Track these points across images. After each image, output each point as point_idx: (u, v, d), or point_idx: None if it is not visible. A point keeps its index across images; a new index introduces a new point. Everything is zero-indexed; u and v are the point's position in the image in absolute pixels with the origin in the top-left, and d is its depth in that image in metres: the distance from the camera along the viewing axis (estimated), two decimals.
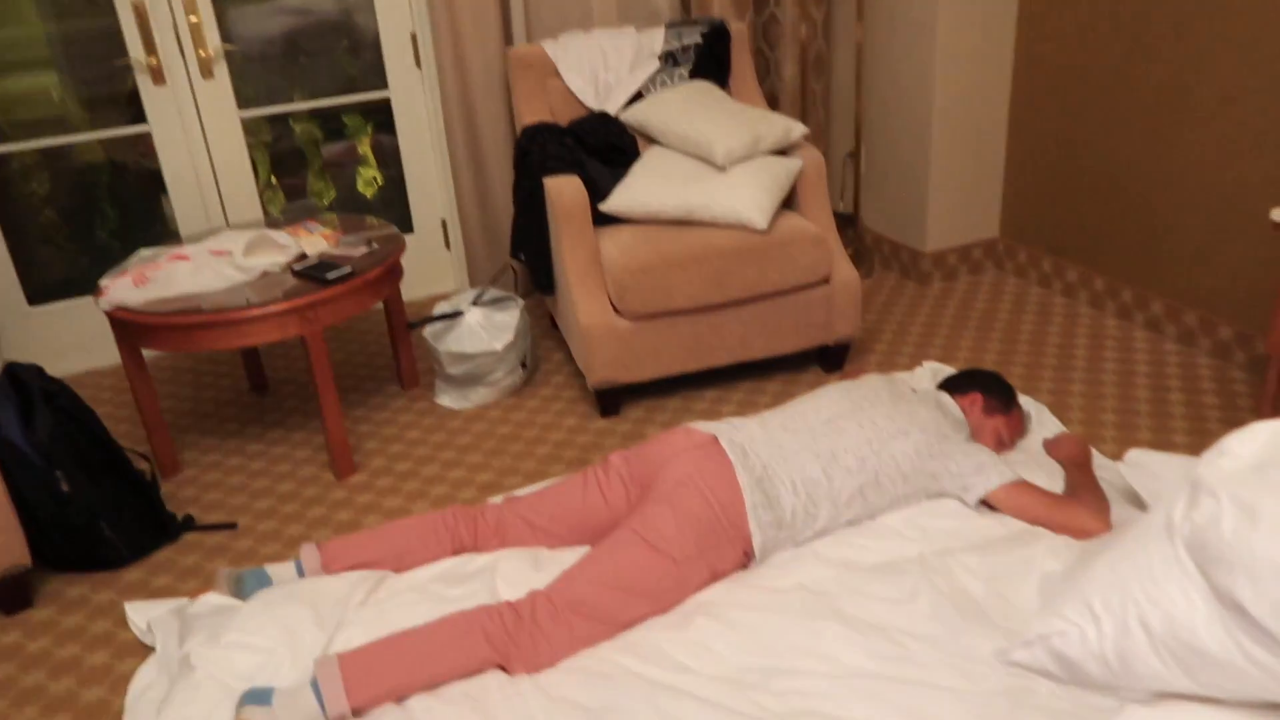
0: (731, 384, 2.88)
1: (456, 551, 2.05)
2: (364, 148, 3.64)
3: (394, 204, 3.65)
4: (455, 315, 2.79)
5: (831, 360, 2.87)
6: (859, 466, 1.97)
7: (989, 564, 1.84)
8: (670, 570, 1.82)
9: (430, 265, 3.74)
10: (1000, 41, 3.26)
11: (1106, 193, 3.05)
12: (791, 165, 2.77)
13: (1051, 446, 2.24)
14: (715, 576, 1.90)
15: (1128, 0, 2.83)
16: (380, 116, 3.54)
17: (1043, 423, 2.39)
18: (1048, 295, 3.30)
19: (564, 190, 2.66)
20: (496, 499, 2.29)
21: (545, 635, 1.74)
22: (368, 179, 3.69)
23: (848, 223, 3.67)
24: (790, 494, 1.92)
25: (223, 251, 2.51)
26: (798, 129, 2.82)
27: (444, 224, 3.68)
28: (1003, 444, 2.23)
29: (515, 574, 1.95)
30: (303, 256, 2.60)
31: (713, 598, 1.84)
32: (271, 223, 2.87)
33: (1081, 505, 1.94)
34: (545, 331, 3.35)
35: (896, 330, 3.14)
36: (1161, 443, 2.39)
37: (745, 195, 2.64)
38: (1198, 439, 2.39)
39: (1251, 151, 2.57)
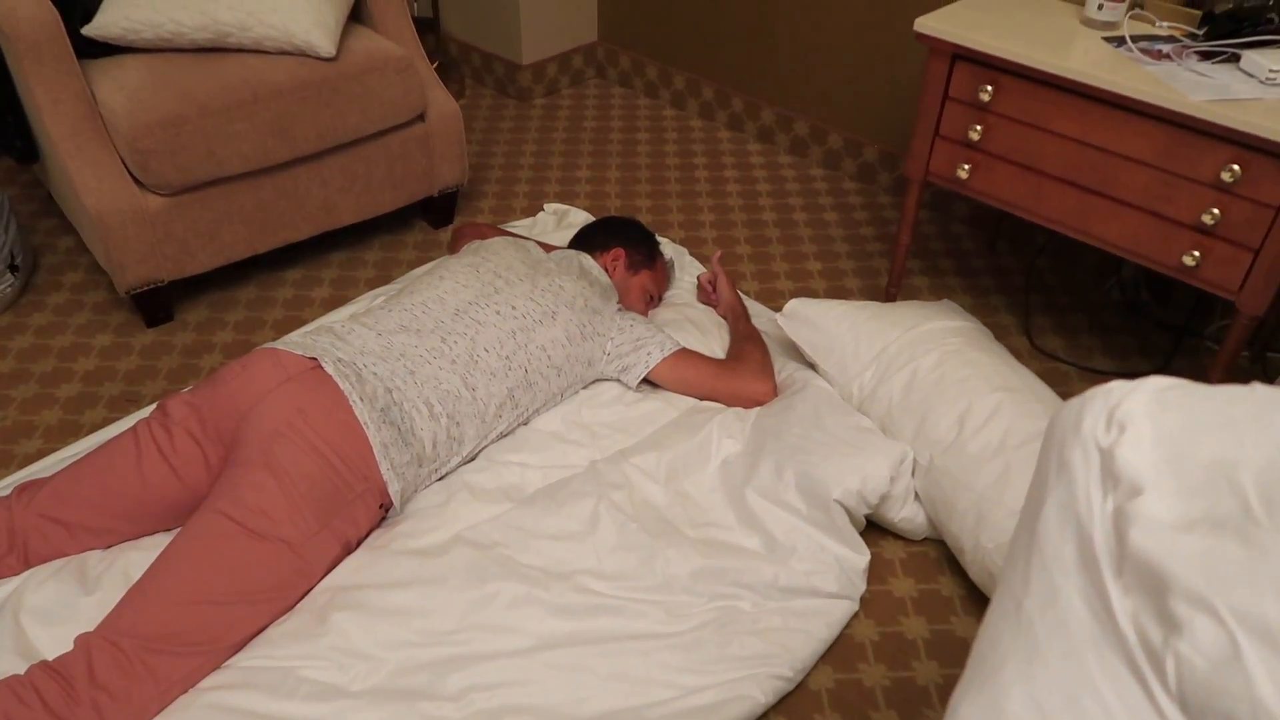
0: (321, 258, 2.30)
1: None
2: None
3: None
4: None
5: (439, 213, 2.40)
6: (505, 367, 1.61)
7: (666, 462, 1.62)
8: (286, 558, 1.36)
9: None
10: None
11: None
12: None
13: (708, 298, 2.05)
14: (349, 548, 1.47)
15: None
16: None
17: (683, 266, 2.17)
18: (657, 106, 3.05)
19: (16, 8, 1.79)
20: (3, 489, 1.59)
21: (118, 698, 1.23)
22: None
23: (428, 29, 3.07)
24: (427, 420, 1.51)
25: None
26: None
27: None
28: (651, 301, 1.99)
29: (54, 606, 1.38)
30: None
31: (348, 579, 1.42)
32: None
33: (744, 367, 1.78)
34: (41, 207, 2.44)
35: (505, 164, 2.72)
36: (799, 273, 2.29)
37: (300, 8, 1.97)
38: (829, 262, 2.33)
39: None
